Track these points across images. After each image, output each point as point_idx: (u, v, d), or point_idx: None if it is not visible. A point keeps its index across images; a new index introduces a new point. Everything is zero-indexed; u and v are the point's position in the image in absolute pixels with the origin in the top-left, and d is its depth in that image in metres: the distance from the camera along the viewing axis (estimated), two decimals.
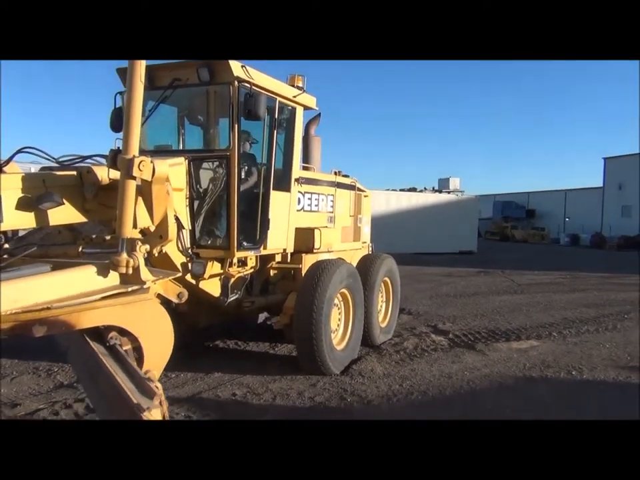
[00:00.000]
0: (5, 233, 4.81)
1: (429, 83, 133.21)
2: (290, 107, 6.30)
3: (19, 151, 4.30)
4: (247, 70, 5.37)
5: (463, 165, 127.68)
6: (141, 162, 3.62)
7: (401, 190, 30.49)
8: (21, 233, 5.01)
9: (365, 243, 8.82)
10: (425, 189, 31.89)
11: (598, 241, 40.48)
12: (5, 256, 4.12)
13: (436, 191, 32.50)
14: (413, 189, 30.87)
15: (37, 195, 3.84)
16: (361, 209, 8.60)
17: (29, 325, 3.28)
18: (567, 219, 53.40)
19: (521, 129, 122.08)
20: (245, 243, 5.67)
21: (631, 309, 11.09)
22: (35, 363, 6.29)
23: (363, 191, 8.74)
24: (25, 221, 3.89)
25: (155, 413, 2.96)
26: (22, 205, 3.80)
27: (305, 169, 7.28)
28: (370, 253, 8.87)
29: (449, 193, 32.49)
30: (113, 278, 3.73)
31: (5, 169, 4.39)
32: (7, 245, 4.42)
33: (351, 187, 8.20)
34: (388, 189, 29.65)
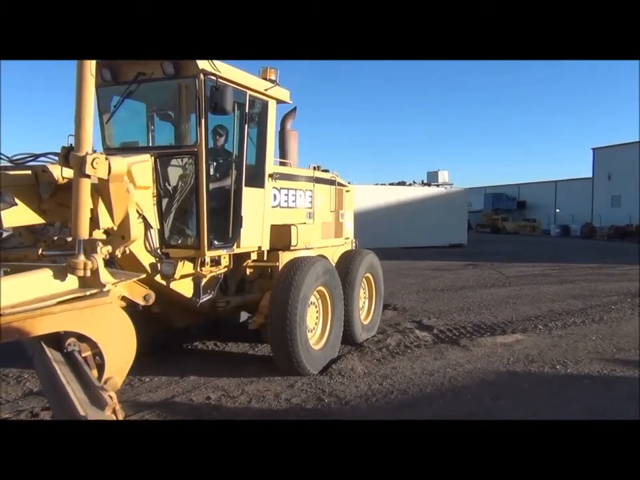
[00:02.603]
0: None
1: (417, 75, 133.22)
2: (262, 101, 6.12)
3: None
4: (213, 63, 5.18)
5: (451, 158, 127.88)
6: (94, 159, 3.47)
7: (389, 184, 30.40)
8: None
9: (347, 238, 8.67)
10: (414, 182, 31.79)
11: (588, 231, 40.67)
12: None
13: (425, 184, 32.39)
14: (402, 183, 30.77)
15: None
16: (343, 204, 8.45)
17: None
18: (558, 210, 53.56)
19: (509, 120, 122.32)
20: (216, 242, 5.51)
21: (618, 299, 11.03)
22: (4, 369, 6.10)
23: (344, 185, 8.59)
24: None
25: None
26: None
27: (281, 164, 7.12)
28: (353, 248, 8.72)
29: (437, 186, 32.40)
30: (71, 281, 3.58)
31: None
32: None
33: (331, 182, 8.04)
34: (377, 184, 29.55)
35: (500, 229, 49.29)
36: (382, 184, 29.97)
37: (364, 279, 7.82)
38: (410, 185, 30.91)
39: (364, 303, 7.99)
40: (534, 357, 6.75)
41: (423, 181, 33.35)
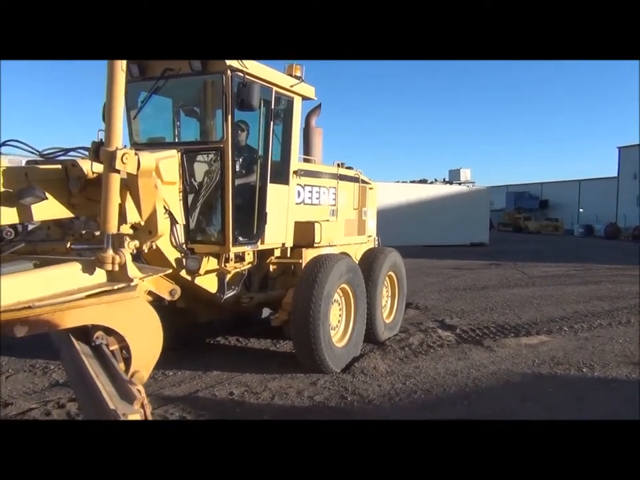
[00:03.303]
0: (14, 226, 4.72)
1: (439, 73, 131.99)
2: (287, 97, 6.10)
3: (3, 144, 4.17)
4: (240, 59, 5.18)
5: (474, 156, 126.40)
6: (124, 154, 3.47)
7: (411, 182, 30.21)
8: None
9: (370, 236, 8.63)
10: (436, 180, 31.55)
11: (612, 231, 39.91)
12: None
13: (447, 182, 32.13)
14: (424, 181, 30.55)
15: (18, 189, 3.70)
16: (366, 201, 8.40)
17: (11, 325, 3.16)
18: (581, 210, 52.66)
19: (533, 118, 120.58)
20: (240, 238, 5.52)
21: None
22: (31, 360, 6.20)
23: (367, 183, 8.54)
24: (7, 217, 3.76)
25: (132, 419, 2.82)
26: (3, 200, 3.66)
27: (305, 161, 7.11)
28: (376, 246, 8.68)
29: (459, 184, 32.13)
30: (99, 275, 3.59)
31: None
32: None
33: (354, 179, 8.01)
34: (398, 181, 29.39)
35: (522, 228, 48.67)
36: (403, 182, 29.80)
37: (387, 277, 7.77)
38: (431, 183, 30.68)
39: (386, 301, 7.94)
40: (559, 359, 6.64)
41: (444, 179, 33.12)
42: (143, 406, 3.04)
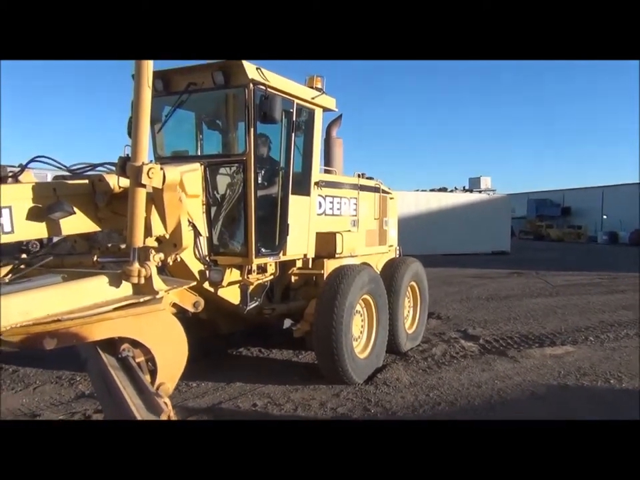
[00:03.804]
0: (39, 239, 4.82)
1: (455, 80, 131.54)
2: (308, 109, 6.15)
3: (32, 160, 4.27)
4: (262, 72, 5.25)
5: (494, 164, 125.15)
6: (150, 169, 3.53)
7: (431, 190, 30.10)
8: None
9: (391, 246, 8.60)
10: (456, 188, 31.41)
11: (638, 238, 39.18)
12: (22, 266, 4.10)
13: (467, 190, 31.97)
14: (444, 189, 30.46)
15: (47, 204, 3.78)
16: (387, 211, 8.39)
17: (40, 338, 3.22)
18: (605, 217, 51.82)
19: (553, 124, 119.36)
20: (263, 250, 5.56)
21: None
22: (57, 372, 6.29)
23: (388, 192, 8.53)
24: (36, 232, 3.83)
25: None
26: (32, 215, 3.73)
27: (326, 171, 7.13)
28: (397, 256, 8.66)
29: (480, 192, 31.93)
30: (126, 288, 3.63)
31: (20, 177, 4.40)
32: (24, 255, 4.41)
33: (375, 189, 8.01)
34: (417, 190, 29.32)
35: (544, 235, 48.09)
36: (423, 190, 29.71)
37: (409, 288, 7.74)
38: (451, 191, 30.54)
39: (408, 311, 7.90)
40: (586, 369, 6.53)
41: (464, 187, 32.95)
42: (169, 418, 3.08)
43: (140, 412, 3.00)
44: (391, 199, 8.59)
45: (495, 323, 9.44)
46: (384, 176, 8.19)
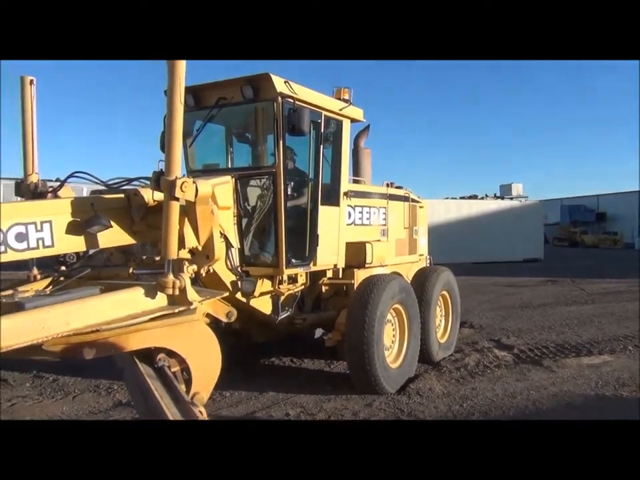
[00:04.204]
0: (77, 253, 4.98)
1: (484, 85, 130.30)
2: (336, 120, 6.21)
3: (71, 175, 4.43)
4: (290, 85, 5.33)
5: (525, 170, 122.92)
6: (183, 183, 3.62)
7: (460, 198, 29.83)
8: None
9: (421, 255, 8.56)
10: (486, 195, 31.04)
11: None
12: (61, 278, 4.24)
13: (498, 197, 31.55)
14: (474, 197, 30.12)
15: (85, 218, 3.90)
16: (417, 220, 8.36)
17: (79, 348, 3.33)
18: None
19: (586, 128, 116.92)
20: (293, 260, 5.61)
21: None
22: (96, 381, 6.43)
23: (417, 201, 8.52)
24: (75, 245, 3.94)
25: None
26: (71, 229, 3.85)
27: (355, 182, 7.18)
28: (427, 265, 8.62)
29: (511, 199, 31.47)
30: (161, 299, 3.73)
31: (59, 192, 4.56)
32: (62, 267, 4.56)
33: (404, 199, 8.00)
34: (447, 197, 29.09)
35: (578, 242, 47.11)
36: (452, 197, 29.47)
37: (440, 297, 7.70)
38: (482, 198, 30.20)
39: (440, 321, 7.85)
40: (625, 380, 6.37)
41: (495, 194, 32.53)
42: None
43: (176, 419, 3.06)
44: (420, 207, 8.56)
45: (529, 332, 9.28)
46: (414, 185, 8.14)
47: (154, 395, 3.31)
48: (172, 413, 3.14)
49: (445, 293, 7.83)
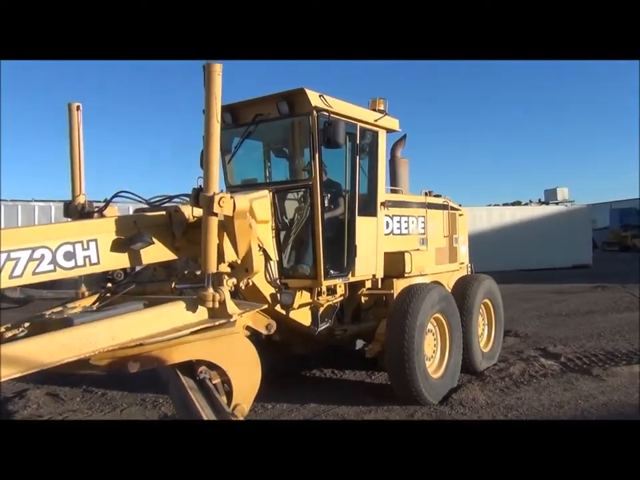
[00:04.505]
0: (124, 269, 5.16)
1: (523, 89, 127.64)
2: (372, 131, 6.25)
3: (115, 195, 4.61)
4: (324, 99, 5.41)
5: (571, 174, 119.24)
6: (221, 198, 3.72)
7: (504, 204, 29.31)
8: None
9: (462, 263, 8.47)
10: (531, 201, 30.41)
11: None
12: (107, 294, 4.40)
13: (542, 203, 30.84)
14: (517, 203, 29.58)
15: (128, 236, 4.05)
16: (456, 228, 8.29)
17: (124, 361, 3.45)
18: None
19: (633, 127, 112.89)
20: (332, 271, 5.65)
21: None
22: (142, 394, 6.60)
23: (457, 209, 8.45)
24: (120, 262, 4.08)
25: None
26: (116, 246, 3.99)
27: (392, 191, 7.18)
28: (469, 273, 8.51)
29: (557, 204, 30.69)
30: (202, 313, 3.82)
31: (104, 212, 4.75)
32: (109, 284, 4.73)
33: (443, 207, 7.95)
34: (490, 205, 28.62)
35: (630, 246, 45.27)
36: (496, 204, 28.97)
37: (482, 305, 7.58)
38: (526, 204, 29.60)
39: (483, 330, 7.73)
40: None
41: (540, 200, 31.83)
42: None
43: None
44: (460, 215, 8.48)
45: (577, 340, 9.02)
46: (455, 193, 8.10)
47: (195, 406, 3.40)
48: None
49: (487, 301, 7.71)
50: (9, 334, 3.55)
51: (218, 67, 3.55)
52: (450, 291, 7.14)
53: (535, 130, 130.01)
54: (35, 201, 19.62)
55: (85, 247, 3.74)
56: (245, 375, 3.90)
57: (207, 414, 3.34)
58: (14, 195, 20.14)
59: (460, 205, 8.87)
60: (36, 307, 12.55)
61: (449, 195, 8.21)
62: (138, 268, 5.30)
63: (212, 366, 3.79)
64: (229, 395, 3.85)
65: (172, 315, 3.72)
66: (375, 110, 6.31)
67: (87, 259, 3.74)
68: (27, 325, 3.64)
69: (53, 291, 13.72)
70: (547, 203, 30.85)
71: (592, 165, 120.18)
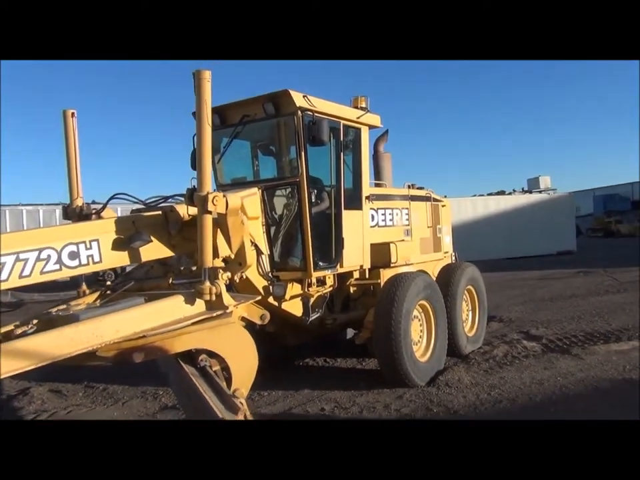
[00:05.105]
0: (114, 269, 5.37)
1: (503, 80, 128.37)
2: (355, 128, 6.51)
3: (112, 197, 4.83)
4: (308, 99, 5.66)
5: (553, 162, 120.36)
6: (214, 197, 3.95)
7: (488, 194, 29.72)
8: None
9: (446, 252, 8.77)
10: (514, 190, 30.84)
11: None
12: (108, 292, 4.64)
13: (526, 191, 31.30)
14: (501, 192, 30.00)
15: (128, 235, 4.28)
16: (440, 219, 8.58)
17: (129, 353, 3.68)
18: None
19: (613, 115, 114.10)
20: (321, 263, 5.92)
21: None
22: (142, 387, 6.83)
23: (439, 201, 8.74)
24: (121, 260, 4.31)
25: None
26: (117, 245, 4.22)
27: (376, 185, 7.45)
28: (453, 262, 8.81)
29: (540, 192, 31.17)
30: (199, 305, 4.05)
31: (102, 214, 4.97)
32: (108, 282, 4.96)
33: (426, 199, 8.24)
34: (474, 195, 29.03)
35: (613, 232, 46.03)
36: (480, 195, 29.38)
37: (465, 292, 7.90)
38: (510, 193, 30.03)
39: (467, 315, 8.05)
40: None
41: (523, 189, 32.29)
42: (245, 416, 3.48)
43: (220, 411, 3.40)
44: (443, 206, 8.78)
45: (558, 323, 9.38)
46: (439, 185, 8.38)
47: (198, 390, 3.65)
48: (216, 404, 3.48)
49: (470, 287, 8.03)
50: (19, 331, 3.80)
51: (207, 74, 3.76)
52: (435, 278, 7.44)
53: (515, 120, 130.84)
54: (22, 205, 19.67)
55: (88, 246, 3.96)
56: (242, 362, 4.15)
57: (209, 396, 3.59)
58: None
59: (445, 196, 9.18)
60: (29, 310, 12.71)
61: (434, 187, 8.52)
62: (128, 268, 5.52)
63: (211, 354, 4.02)
64: (228, 381, 4.10)
65: (172, 308, 3.95)
66: (357, 107, 6.58)
67: (90, 258, 3.96)
68: (35, 322, 3.87)
69: (43, 294, 13.88)
70: (530, 192, 31.31)
71: (572, 153, 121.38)
